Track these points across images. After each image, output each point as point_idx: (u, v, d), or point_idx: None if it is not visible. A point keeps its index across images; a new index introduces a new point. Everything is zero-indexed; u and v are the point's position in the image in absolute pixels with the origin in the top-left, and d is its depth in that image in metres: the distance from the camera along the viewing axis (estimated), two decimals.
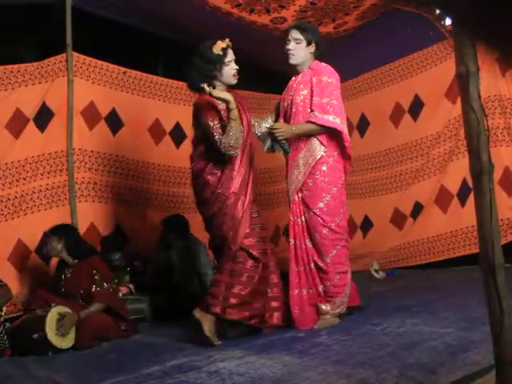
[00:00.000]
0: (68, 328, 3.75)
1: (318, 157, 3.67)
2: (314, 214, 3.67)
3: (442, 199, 5.41)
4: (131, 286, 4.65)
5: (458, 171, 5.19)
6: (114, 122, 5.14)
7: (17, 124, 4.56)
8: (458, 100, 2.50)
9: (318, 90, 3.66)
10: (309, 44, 3.73)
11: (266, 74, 6.05)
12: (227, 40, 3.60)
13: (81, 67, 4.92)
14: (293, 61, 3.76)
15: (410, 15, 5.00)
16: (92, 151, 4.94)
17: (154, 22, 5.13)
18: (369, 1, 4.72)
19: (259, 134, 3.91)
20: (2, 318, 3.76)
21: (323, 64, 3.78)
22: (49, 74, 4.74)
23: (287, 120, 3.81)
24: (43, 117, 4.71)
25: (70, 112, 4.80)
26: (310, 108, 3.68)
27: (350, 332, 3.36)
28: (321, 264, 3.65)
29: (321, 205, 3.66)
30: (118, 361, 3.44)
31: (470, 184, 2.00)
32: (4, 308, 3.83)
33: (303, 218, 3.73)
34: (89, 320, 3.86)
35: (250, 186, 3.64)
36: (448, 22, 5.05)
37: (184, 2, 4.47)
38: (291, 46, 3.72)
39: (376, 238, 6.01)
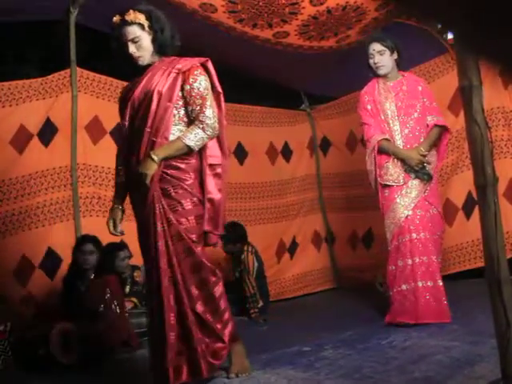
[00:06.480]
0: None
1: None
2: None
3: (448, 213, 5.37)
4: (135, 300, 4.63)
5: (463, 184, 5.17)
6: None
7: (21, 140, 4.57)
8: (461, 113, 2.51)
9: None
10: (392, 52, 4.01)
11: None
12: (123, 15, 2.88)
13: (85, 82, 4.93)
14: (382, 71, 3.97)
15: (412, 29, 5.01)
16: (96, 166, 4.94)
17: None
18: (371, 15, 4.74)
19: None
20: (7, 333, 3.75)
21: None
22: (53, 90, 4.75)
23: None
24: (47, 132, 4.72)
25: (73, 127, 4.80)
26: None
27: (355, 346, 3.35)
28: None
29: None
30: (122, 377, 3.42)
31: (475, 197, 2.00)
32: (9, 323, 3.83)
33: None
34: (92, 336, 3.85)
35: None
36: (450, 35, 5.07)
37: (187, 17, 4.48)
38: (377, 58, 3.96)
39: (381, 251, 5.97)
